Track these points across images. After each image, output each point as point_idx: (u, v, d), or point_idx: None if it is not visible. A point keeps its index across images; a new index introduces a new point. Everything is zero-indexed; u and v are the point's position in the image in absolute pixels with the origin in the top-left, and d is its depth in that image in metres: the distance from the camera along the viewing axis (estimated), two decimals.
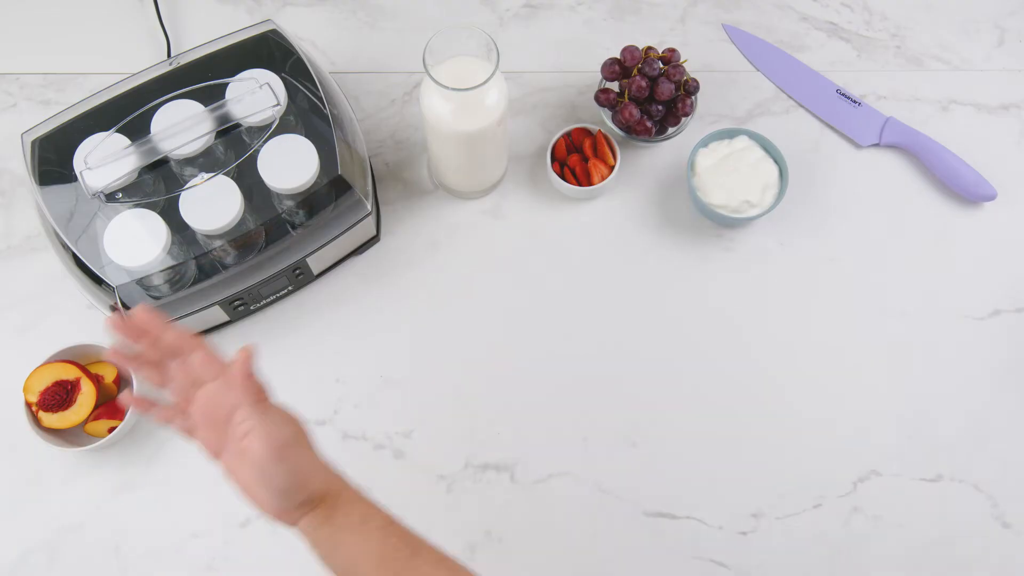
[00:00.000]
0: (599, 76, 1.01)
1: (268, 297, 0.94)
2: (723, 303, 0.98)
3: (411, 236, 1.00)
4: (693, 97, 1.00)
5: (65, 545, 0.89)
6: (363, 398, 0.94)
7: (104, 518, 0.90)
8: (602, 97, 1.00)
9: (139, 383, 0.89)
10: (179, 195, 0.86)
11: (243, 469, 0.67)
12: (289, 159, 0.87)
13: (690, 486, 0.92)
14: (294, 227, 0.89)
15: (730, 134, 1.00)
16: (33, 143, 0.89)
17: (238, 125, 0.89)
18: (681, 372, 0.95)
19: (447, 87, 0.82)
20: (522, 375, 0.95)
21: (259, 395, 0.68)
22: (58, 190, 0.88)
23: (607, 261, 1.00)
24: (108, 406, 0.90)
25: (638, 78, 0.97)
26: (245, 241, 0.87)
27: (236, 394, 0.67)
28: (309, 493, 0.67)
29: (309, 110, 0.91)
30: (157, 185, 0.89)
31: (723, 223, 0.99)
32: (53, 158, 0.89)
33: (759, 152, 0.98)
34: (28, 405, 0.88)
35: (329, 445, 0.92)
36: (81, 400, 0.89)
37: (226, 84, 0.90)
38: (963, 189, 1.00)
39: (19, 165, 1.00)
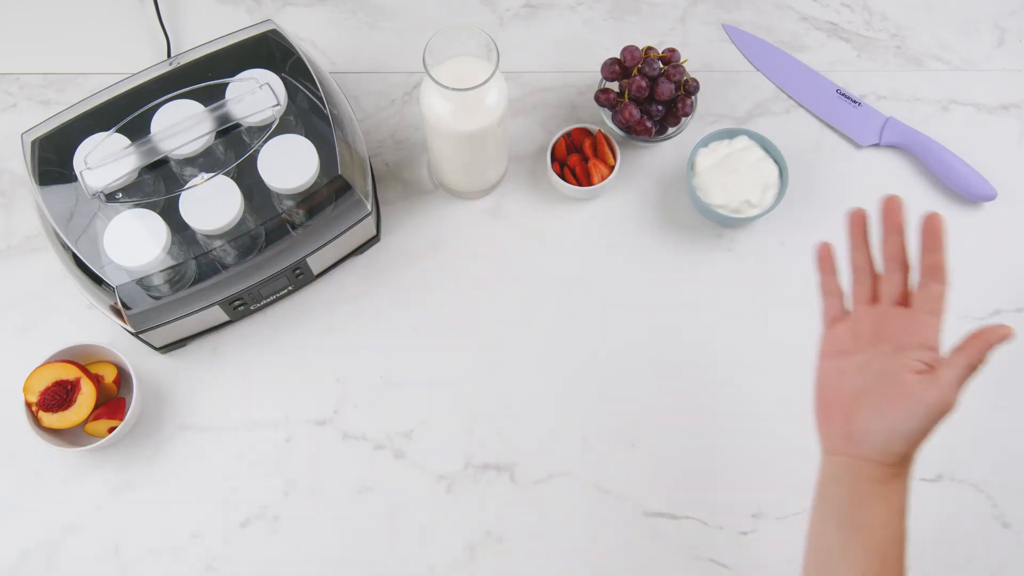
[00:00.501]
0: (599, 76, 1.02)
1: (268, 297, 0.94)
2: (723, 303, 0.98)
3: (411, 236, 1.00)
4: (693, 97, 1.00)
5: (65, 545, 0.89)
6: (363, 398, 0.94)
7: (104, 518, 0.90)
8: (602, 97, 1.00)
9: (139, 384, 0.90)
10: (179, 195, 0.86)
11: (852, 388, 0.66)
12: (289, 159, 0.87)
13: (690, 486, 0.92)
14: (294, 227, 0.89)
15: (730, 134, 1.00)
16: (33, 143, 0.89)
17: (238, 125, 0.89)
18: (681, 372, 0.95)
19: (447, 87, 0.82)
20: (522, 375, 0.95)
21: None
22: (58, 190, 0.88)
23: (607, 261, 1.00)
24: (108, 406, 0.90)
25: (638, 78, 0.97)
26: (245, 241, 0.87)
27: (923, 338, 0.67)
28: (893, 456, 0.66)
29: (309, 110, 0.91)
30: (157, 185, 0.89)
31: (723, 223, 0.99)
32: (53, 158, 0.89)
33: (759, 152, 0.98)
34: (28, 405, 0.88)
35: (329, 445, 0.93)
36: (81, 400, 0.89)
37: (226, 84, 0.90)
38: (963, 189, 1.00)
39: (19, 165, 1.00)
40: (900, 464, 0.66)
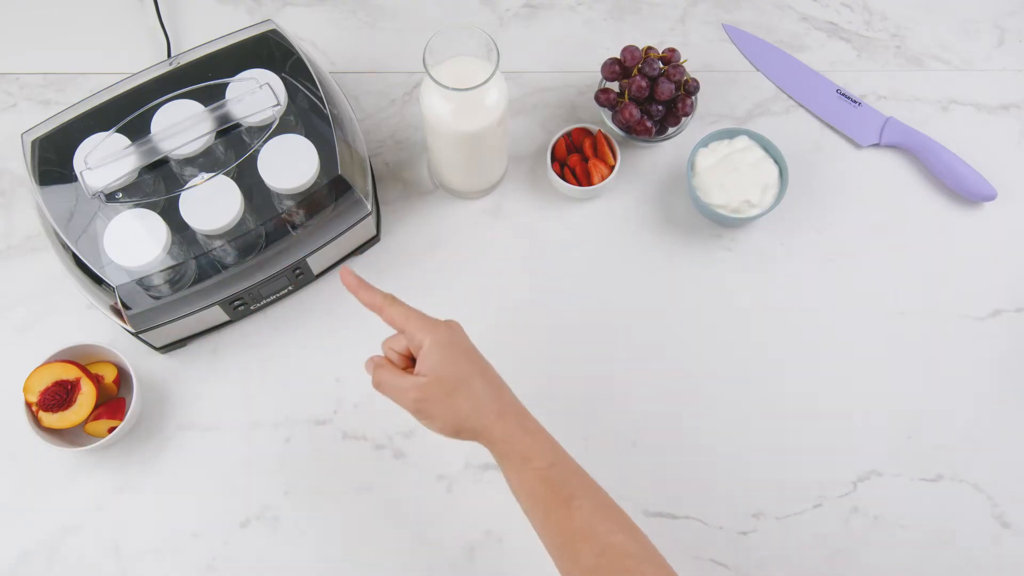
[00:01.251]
0: (599, 76, 1.02)
1: (268, 297, 0.94)
2: (723, 303, 0.98)
3: (411, 236, 1.00)
4: (693, 97, 1.00)
5: (65, 545, 0.89)
6: (363, 398, 0.94)
7: (104, 518, 0.90)
8: (602, 97, 1.00)
9: (139, 384, 0.90)
10: (179, 195, 0.86)
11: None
12: (289, 159, 0.87)
13: (690, 486, 0.92)
14: (294, 227, 0.89)
15: (730, 134, 1.00)
16: (33, 143, 0.89)
17: (238, 125, 0.89)
18: (681, 372, 0.95)
19: (447, 87, 0.82)
20: (522, 375, 0.95)
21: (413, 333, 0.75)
22: (58, 190, 0.88)
23: (607, 261, 1.00)
24: (108, 406, 0.90)
25: (638, 78, 0.97)
26: (245, 241, 0.87)
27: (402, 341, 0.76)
28: (471, 435, 0.74)
29: (309, 110, 0.91)
30: (157, 185, 0.89)
31: (723, 223, 0.99)
32: (53, 158, 0.89)
33: (759, 152, 0.98)
34: (28, 405, 0.88)
35: (329, 445, 0.93)
36: (81, 400, 0.89)
37: (226, 84, 0.90)
38: (963, 189, 1.00)
39: (19, 165, 1.00)
40: (485, 439, 0.75)
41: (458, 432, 0.74)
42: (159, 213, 0.86)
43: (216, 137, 0.89)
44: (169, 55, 1.05)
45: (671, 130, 1.01)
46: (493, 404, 0.74)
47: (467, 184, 0.99)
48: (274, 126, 0.88)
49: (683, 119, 1.01)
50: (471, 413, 0.73)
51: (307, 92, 0.91)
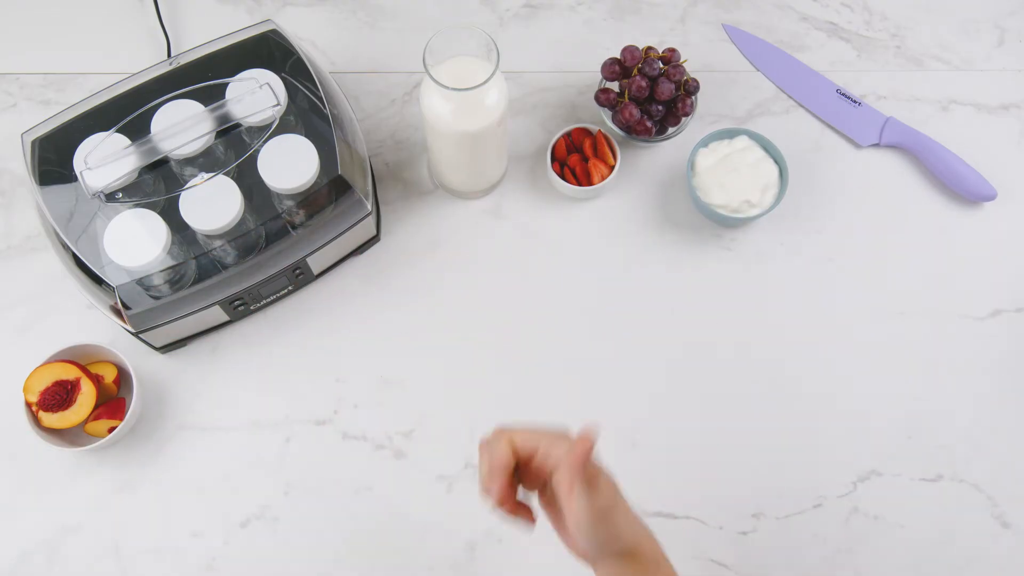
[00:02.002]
0: (599, 76, 1.01)
1: (268, 297, 0.94)
2: (723, 303, 0.98)
3: (411, 236, 1.00)
4: (693, 97, 1.00)
5: (65, 545, 0.89)
6: (363, 398, 0.94)
7: (104, 518, 0.90)
8: (602, 97, 1.00)
9: (139, 384, 0.90)
10: (179, 195, 0.86)
11: (566, 521, 0.68)
12: (289, 159, 0.87)
13: (690, 486, 0.92)
14: (294, 227, 0.89)
15: (730, 134, 1.00)
16: (33, 143, 0.89)
17: (238, 125, 0.89)
18: (680, 372, 0.95)
19: (447, 87, 0.82)
20: (522, 374, 0.95)
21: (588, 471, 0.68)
22: (58, 190, 0.88)
23: (607, 261, 1.00)
24: (108, 406, 0.90)
25: (638, 78, 0.97)
26: (245, 241, 0.87)
27: (564, 460, 0.67)
28: (620, 547, 0.70)
29: (309, 110, 0.91)
30: (157, 185, 0.89)
31: (723, 223, 0.99)
32: (53, 158, 0.89)
33: (759, 152, 0.98)
34: (28, 405, 0.88)
35: (329, 445, 0.93)
36: (81, 400, 0.89)
37: (226, 84, 0.90)
38: (963, 189, 1.00)
39: (19, 165, 1.00)
40: (627, 552, 0.70)
41: (612, 543, 0.69)
42: (159, 213, 0.86)
43: (216, 137, 0.89)
44: (169, 55, 1.05)
45: (671, 130, 1.01)
46: (634, 518, 0.72)
47: (467, 184, 0.99)
48: (274, 126, 0.88)
49: (683, 119, 1.01)
50: (629, 524, 0.71)
51: (307, 92, 0.91)
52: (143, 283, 0.86)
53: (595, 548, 0.69)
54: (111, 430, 0.88)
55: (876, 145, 1.04)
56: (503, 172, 1.02)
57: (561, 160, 1.00)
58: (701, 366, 0.95)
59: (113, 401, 0.91)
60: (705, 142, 1.00)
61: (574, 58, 1.07)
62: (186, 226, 0.85)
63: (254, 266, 0.89)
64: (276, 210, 0.89)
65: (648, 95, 0.98)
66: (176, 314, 0.88)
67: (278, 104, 0.87)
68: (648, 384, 0.95)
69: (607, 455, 0.92)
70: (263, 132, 0.88)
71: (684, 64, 0.99)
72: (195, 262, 0.87)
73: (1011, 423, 0.94)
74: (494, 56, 0.83)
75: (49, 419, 0.88)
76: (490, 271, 0.99)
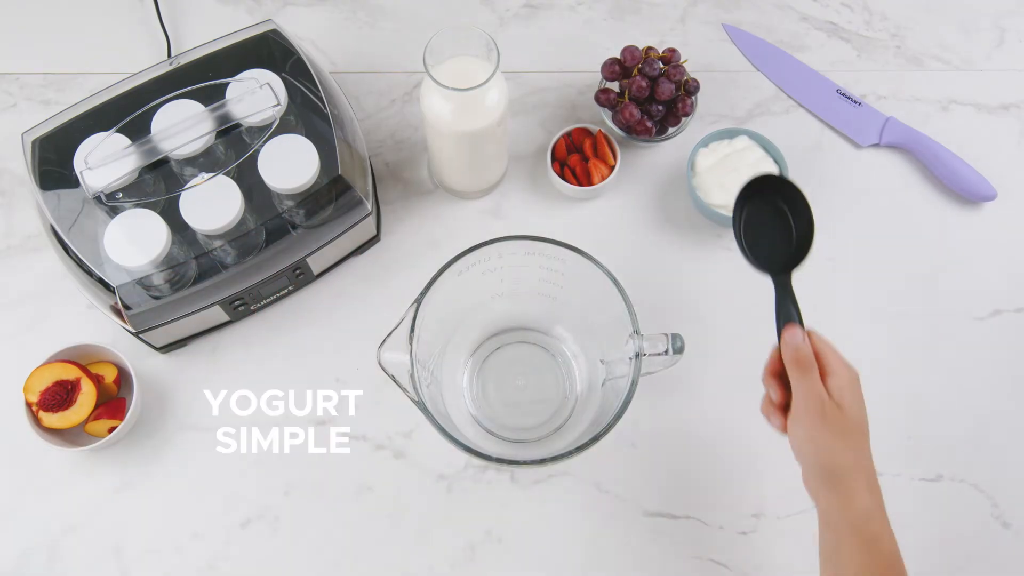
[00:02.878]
0: (599, 76, 1.02)
1: (268, 297, 0.94)
2: (723, 303, 0.98)
3: (411, 236, 1.00)
4: (693, 97, 1.00)
5: (65, 545, 0.89)
6: (363, 398, 0.94)
7: (104, 518, 0.90)
8: (602, 97, 1.00)
9: (139, 384, 0.90)
10: (179, 195, 0.86)
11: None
12: (289, 159, 0.87)
13: (690, 486, 0.92)
14: (294, 227, 0.89)
15: (730, 134, 1.00)
16: (33, 143, 0.89)
17: (238, 125, 0.89)
18: (681, 371, 0.95)
19: (447, 87, 0.82)
20: (522, 374, 0.95)
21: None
22: (58, 190, 0.88)
23: (607, 261, 0.99)
24: (108, 406, 0.90)
25: (638, 78, 0.97)
26: (245, 241, 0.87)
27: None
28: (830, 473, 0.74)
29: (309, 110, 0.91)
30: (157, 185, 0.89)
31: (723, 223, 0.99)
32: (53, 158, 0.89)
33: (759, 152, 0.98)
34: (28, 405, 0.88)
35: (330, 445, 0.93)
36: (81, 400, 0.89)
37: (226, 84, 0.90)
38: (963, 189, 1.00)
39: (19, 165, 0.99)
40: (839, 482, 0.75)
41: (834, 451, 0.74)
42: (159, 213, 0.86)
43: (216, 137, 0.89)
44: (169, 55, 1.05)
45: (671, 130, 1.02)
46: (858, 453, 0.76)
47: (467, 184, 0.99)
48: (274, 126, 0.88)
49: (683, 119, 1.01)
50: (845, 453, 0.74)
51: (307, 92, 0.91)
52: (143, 283, 0.86)
53: (800, 444, 0.75)
54: (111, 430, 0.88)
55: (876, 145, 1.04)
56: (503, 172, 1.02)
57: (561, 160, 1.00)
58: (700, 365, 0.95)
59: (113, 401, 0.91)
60: (705, 142, 1.00)
61: (574, 58, 1.07)
62: (186, 226, 0.85)
63: (254, 266, 0.89)
64: (276, 210, 0.89)
65: (648, 95, 0.98)
66: (176, 314, 0.88)
67: (278, 104, 0.87)
68: (648, 383, 0.95)
69: (608, 455, 0.93)
70: (263, 132, 0.88)
71: (684, 64, 0.99)
72: (195, 262, 0.87)
73: (1011, 423, 0.94)
74: (494, 56, 0.83)
75: (49, 419, 0.88)
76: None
